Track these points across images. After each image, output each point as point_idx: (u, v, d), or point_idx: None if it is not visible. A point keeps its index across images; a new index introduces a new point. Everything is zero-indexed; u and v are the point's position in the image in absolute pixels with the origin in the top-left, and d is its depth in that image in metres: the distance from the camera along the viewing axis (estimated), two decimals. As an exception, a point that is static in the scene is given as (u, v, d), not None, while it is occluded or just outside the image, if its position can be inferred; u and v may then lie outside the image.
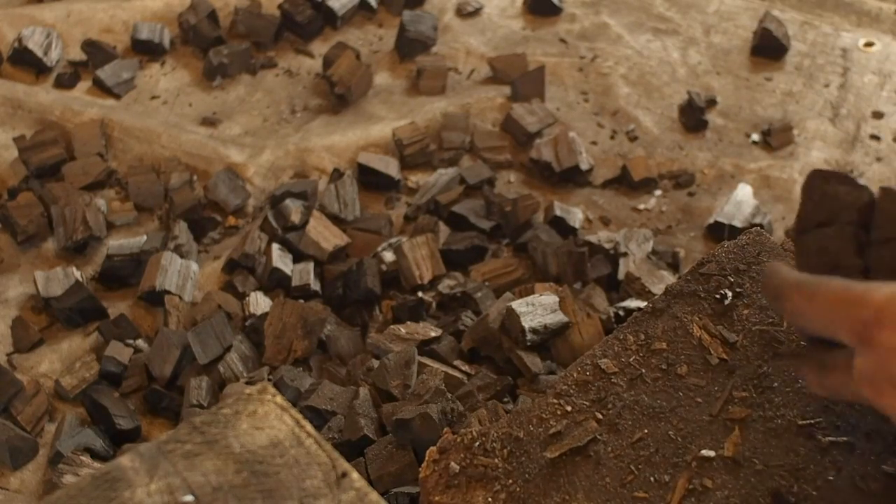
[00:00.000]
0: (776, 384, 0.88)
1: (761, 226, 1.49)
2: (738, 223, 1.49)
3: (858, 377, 0.67)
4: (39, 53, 1.82)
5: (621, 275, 1.43)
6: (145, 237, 1.50)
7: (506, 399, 1.21)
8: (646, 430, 0.86)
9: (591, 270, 1.43)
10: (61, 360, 1.38)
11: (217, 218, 1.58)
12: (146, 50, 1.88)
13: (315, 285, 1.43)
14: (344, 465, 0.74)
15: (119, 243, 1.49)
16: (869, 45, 1.86)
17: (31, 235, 1.53)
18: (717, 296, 0.95)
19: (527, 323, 1.24)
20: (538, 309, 1.26)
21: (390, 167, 1.61)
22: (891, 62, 1.82)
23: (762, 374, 0.89)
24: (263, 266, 1.45)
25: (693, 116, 1.73)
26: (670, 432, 0.85)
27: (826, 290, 0.70)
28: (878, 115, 1.73)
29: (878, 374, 0.65)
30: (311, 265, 1.44)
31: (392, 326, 1.32)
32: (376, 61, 1.87)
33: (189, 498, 0.72)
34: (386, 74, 1.85)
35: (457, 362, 1.27)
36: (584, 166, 1.62)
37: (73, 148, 1.66)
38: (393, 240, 1.49)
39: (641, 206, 1.60)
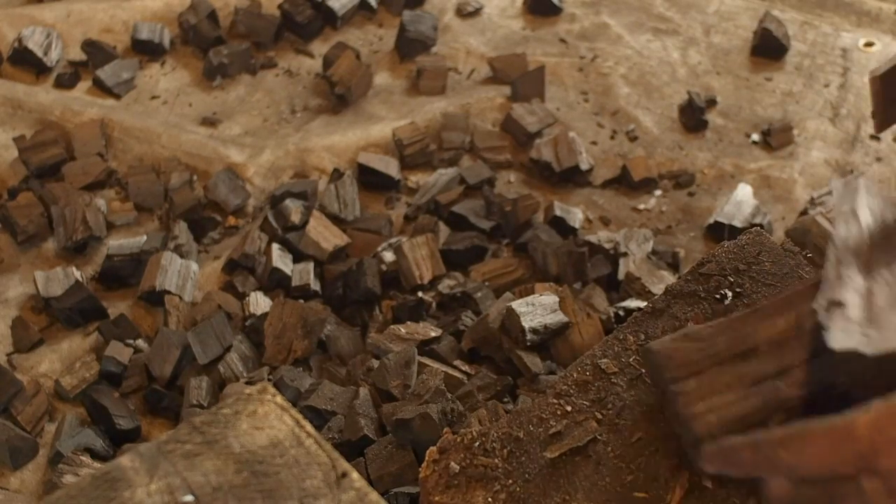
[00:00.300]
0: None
1: (761, 226, 1.49)
2: (738, 223, 1.49)
3: (874, 498, 0.68)
4: (39, 53, 1.82)
5: (621, 275, 1.43)
6: (145, 237, 1.50)
7: (506, 399, 1.21)
8: (646, 430, 0.86)
9: (591, 270, 1.43)
10: (61, 360, 1.38)
11: (217, 218, 1.58)
12: (146, 50, 1.88)
13: (315, 285, 1.43)
14: (344, 465, 0.74)
15: (119, 243, 1.49)
16: (869, 45, 1.86)
17: (31, 235, 1.53)
18: (717, 296, 0.96)
19: (527, 323, 1.24)
20: (538, 309, 1.26)
21: (390, 167, 1.61)
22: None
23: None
24: (263, 266, 1.45)
25: (693, 116, 1.73)
26: (670, 432, 0.85)
27: (813, 435, 0.69)
28: (878, 115, 1.73)
29: (891, 493, 0.66)
30: (311, 265, 1.44)
31: (392, 326, 1.32)
32: (376, 61, 1.87)
33: (189, 498, 0.72)
34: (386, 74, 1.85)
35: (457, 362, 1.27)
36: (584, 166, 1.62)
37: (73, 148, 1.66)
38: (393, 240, 1.49)
39: (641, 206, 1.60)
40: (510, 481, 0.84)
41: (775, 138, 1.68)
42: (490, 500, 0.84)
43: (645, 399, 0.88)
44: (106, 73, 1.81)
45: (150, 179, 1.61)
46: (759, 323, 0.82)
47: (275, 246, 1.46)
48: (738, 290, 0.96)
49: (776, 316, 0.82)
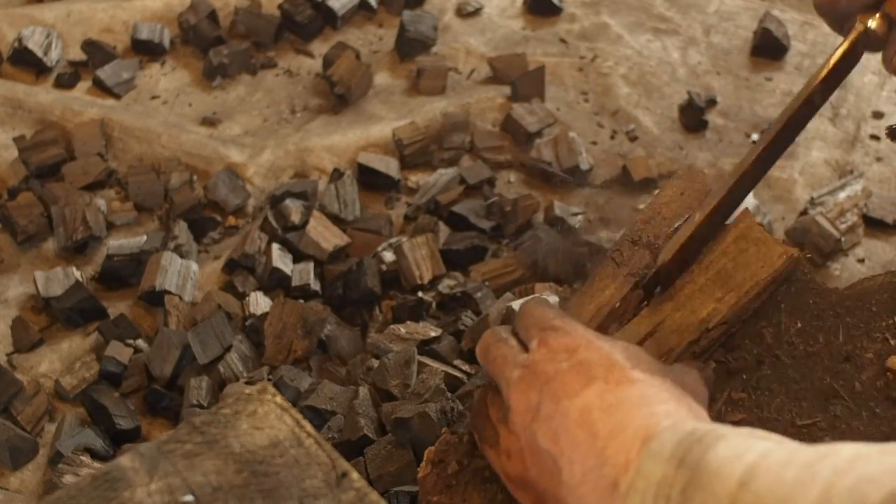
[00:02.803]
0: (774, 386, 0.88)
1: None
2: (737, 223, 1.49)
3: (517, 360, 0.80)
4: (39, 53, 1.82)
5: (621, 275, 1.43)
6: (145, 237, 1.50)
7: (505, 399, 1.21)
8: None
9: (591, 270, 1.43)
10: (61, 360, 1.38)
11: (217, 218, 1.58)
12: (146, 50, 1.88)
13: (315, 285, 1.43)
14: (344, 464, 0.74)
15: (119, 243, 1.49)
16: (869, 45, 1.86)
17: (31, 235, 1.53)
18: (717, 296, 0.95)
19: (526, 323, 1.24)
20: (538, 309, 1.26)
21: (390, 167, 1.62)
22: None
23: (760, 376, 0.89)
24: (263, 266, 1.45)
25: (693, 116, 1.73)
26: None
27: (547, 308, 0.84)
28: (878, 115, 1.73)
29: (531, 365, 0.78)
30: (311, 265, 1.44)
31: (392, 326, 1.32)
32: (376, 61, 1.87)
33: (189, 498, 0.72)
34: (386, 74, 1.85)
35: (457, 362, 1.27)
36: (584, 166, 1.62)
37: (73, 148, 1.66)
38: (393, 240, 1.49)
39: (641, 206, 1.60)
40: (510, 481, 0.84)
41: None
42: (488, 500, 0.84)
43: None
44: (106, 73, 1.81)
45: (150, 179, 1.61)
46: None
47: (275, 246, 1.46)
48: (737, 290, 0.96)
49: None
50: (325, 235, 1.48)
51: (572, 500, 0.71)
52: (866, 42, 0.91)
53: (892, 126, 1.00)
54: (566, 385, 0.73)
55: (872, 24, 0.90)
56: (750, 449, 0.63)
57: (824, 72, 0.93)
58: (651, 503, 0.64)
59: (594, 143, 1.71)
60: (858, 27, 0.91)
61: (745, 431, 0.66)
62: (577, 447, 0.70)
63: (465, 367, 1.26)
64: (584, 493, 0.69)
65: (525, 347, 0.80)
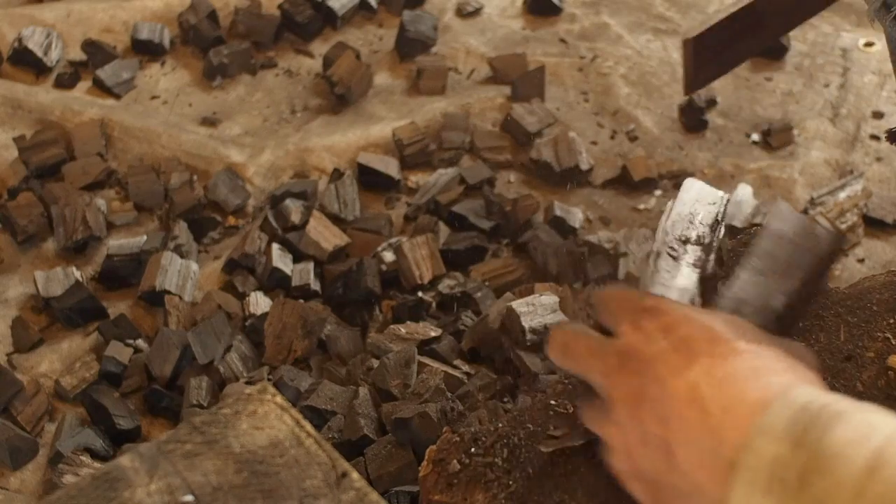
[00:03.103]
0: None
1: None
2: (738, 223, 1.49)
3: (609, 349, 0.73)
4: (39, 53, 1.82)
5: (621, 275, 1.43)
6: (145, 237, 1.50)
7: (506, 399, 1.21)
8: (646, 430, 0.86)
9: (591, 270, 1.43)
10: (61, 360, 1.38)
11: (217, 218, 1.58)
12: (146, 50, 1.88)
13: (315, 285, 1.43)
14: (344, 465, 0.74)
15: (119, 243, 1.49)
16: (869, 45, 1.86)
17: (31, 235, 1.53)
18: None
19: (527, 323, 1.24)
20: (538, 309, 1.26)
21: (390, 167, 1.61)
22: (891, 62, 1.82)
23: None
24: (263, 266, 1.45)
25: (693, 116, 1.73)
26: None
27: (629, 291, 0.77)
28: (878, 115, 1.73)
29: (627, 351, 0.72)
30: (311, 265, 1.44)
31: (392, 326, 1.32)
32: (376, 61, 1.87)
33: (189, 498, 0.72)
34: (386, 74, 1.85)
35: (457, 362, 1.27)
36: (584, 166, 1.62)
37: (73, 148, 1.66)
38: (393, 240, 1.49)
39: (641, 206, 1.60)
40: (510, 481, 0.84)
41: (775, 138, 1.68)
42: (489, 499, 0.84)
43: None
44: (106, 73, 1.81)
45: (150, 179, 1.61)
46: None
47: (275, 246, 1.46)
48: (738, 289, 0.96)
49: None
50: (325, 235, 1.48)
51: (687, 486, 0.66)
52: None
53: (892, 129, 0.99)
54: (669, 364, 0.67)
55: None
56: (875, 429, 0.58)
57: None
58: (764, 484, 0.59)
59: (594, 143, 1.71)
60: None
61: (863, 406, 0.61)
62: (689, 428, 0.65)
63: (465, 367, 1.26)
64: (701, 478, 0.64)
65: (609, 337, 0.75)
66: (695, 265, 0.85)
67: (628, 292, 0.76)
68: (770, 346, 0.69)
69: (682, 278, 0.84)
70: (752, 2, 0.93)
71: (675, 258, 0.85)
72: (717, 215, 0.87)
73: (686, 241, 0.87)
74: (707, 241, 0.86)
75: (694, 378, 0.66)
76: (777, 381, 0.64)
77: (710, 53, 0.92)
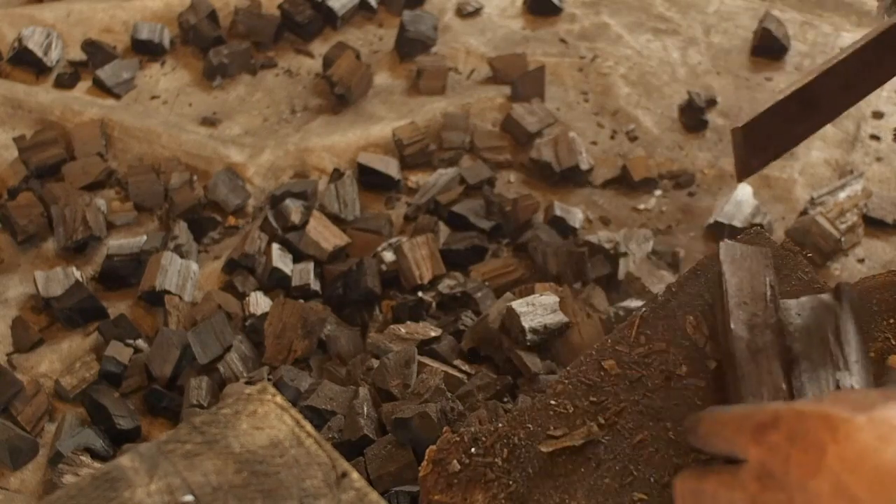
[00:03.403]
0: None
1: (761, 226, 1.48)
2: (738, 223, 1.49)
3: (744, 476, 0.71)
4: (39, 53, 1.82)
5: (621, 275, 1.43)
6: (145, 237, 1.50)
7: (506, 399, 1.21)
8: (646, 431, 0.86)
9: (591, 270, 1.43)
10: (61, 360, 1.38)
11: (217, 218, 1.58)
12: (146, 50, 1.88)
13: (315, 285, 1.43)
14: (344, 464, 0.74)
15: (119, 243, 1.49)
16: (869, 45, 1.86)
17: (31, 235, 1.53)
18: (717, 296, 0.95)
19: (527, 323, 1.24)
20: (538, 309, 1.26)
21: (390, 167, 1.61)
22: None
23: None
24: (263, 266, 1.45)
25: (693, 116, 1.73)
26: (670, 433, 0.85)
27: (733, 411, 0.75)
28: (878, 115, 1.73)
29: (761, 471, 0.70)
30: (311, 265, 1.44)
31: (392, 326, 1.32)
32: (376, 61, 1.87)
33: (189, 498, 0.72)
34: (386, 74, 1.85)
35: (457, 362, 1.27)
36: (584, 166, 1.62)
37: (73, 148, 1.66)
38: (393, 240, 1.49)
39: (641, 206, 1.60)
40: (510, 481, 0.84)
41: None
42: (489, 499, 0.84)
43: (646, 400, 0.88)
44: (106, 73, 1.81)
45: (150, 179, 1.61)
46: None
47: (275, 246, 1.46)
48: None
49: None
50: (325, 235, 1.48)
51: None
52: None
53: None
54: (804, 467, 0.67)
55: None
56: None
57: None
58: None
59: (594, 143, 1.71)
60: None
61: None
62: None
63: (465, 367, 1.26)
64: None
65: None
66: None
67: (738, 413, 0.75)
68: (886, 402, 0.69)
69: None
70: (805, 85, 0.93)
71: None
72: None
73: None
74: None
75: (829, 470, 0.65)
76: None
77: (762, 139, 0.92)
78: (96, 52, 1.84)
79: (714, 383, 0.89)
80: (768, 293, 0.88)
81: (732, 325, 0.86)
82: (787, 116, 0.94)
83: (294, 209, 1.52)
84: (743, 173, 0.95)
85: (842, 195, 1.55)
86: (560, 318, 1.26)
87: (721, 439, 0.74)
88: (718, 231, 1.51)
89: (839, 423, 0.67)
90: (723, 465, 0.73)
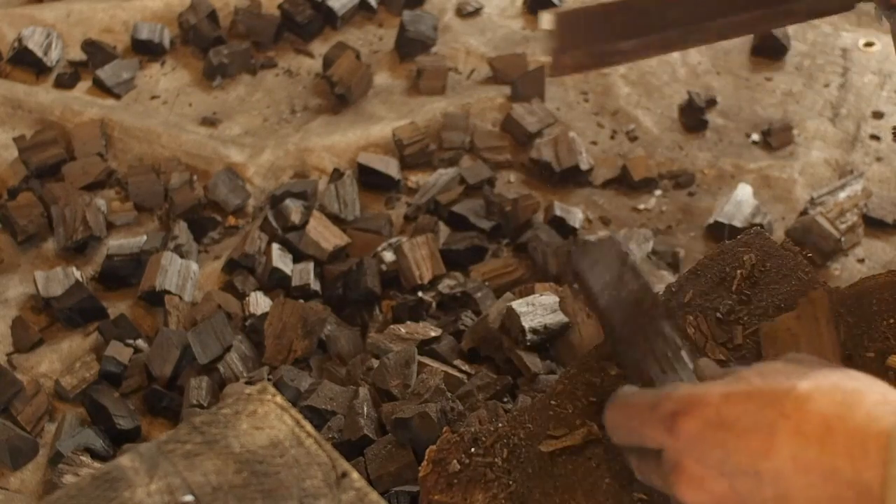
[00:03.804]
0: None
1: (761, 226, 1.49)
2: (738, 223, 1.49)
3: (666, 467, 0.68)
4: (39, 53, 1.82)
5: (621, 275, 1.43)
6: (145, 237, 1.50)
7: (506, 399, 1.21)
8: (646, 430, 0.86)
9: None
10: (61, 360, 1.38)
11: (217, 218, 1.58)
12: (146, 50, 1.88)
13: (315, 285, 1.43)
14: (344, 464, 0.74)
15: (119, 243, 1.49)
16: (869, 45, 1.86)
17: (31, 235, 1.53)
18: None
19: (527, 323, 1.24)
20: (538, 309, 1.26)
21: (390, 167, 1.62)
22: (891, 62, 1.82)
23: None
24: (263, 266, 1.45)
25: (693, 116, 1.73)
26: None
27: (634, 399, 0.73)
28: (878, 115, 1.73)
29: (681, 458, 0.67)
30: (311, 265, 1.44)
31: (392, 326, 1.32)
32: (376, 61, 1.87)
33: (189, 498, 0.72)
34: (386, 74, 1.85)
35: (457, 362, 1.27)
36: (584, 166, 1.62)
37: (73, 148, 1.66)
38: (393, 240, 1.49)
39: (641, 206, 1.60)
40: (510, 481, 0.84)
41: (775, 138, 1.68)
42: (489, 499, 0.84)
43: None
44: (106, 73, 1.81)
45: (150, 179, 1.61)
46: None
47: (275, 246, 1.46)
48: (738, 290, 0.96)
49: None
50: (325, 235, 1.48)
51: None
52: None
53: None
54: (751, 450, 0.63)
55: None
56: None
57: None
58: None
59: (594, 143, 1.71)
60: None
61: None
62: (819, 494, 0.60)
63: (465, 367, 1.26)
64: None
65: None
66: None
67: (634, 398, 0.72)
68: (818, 369, 0.66)
69: None
70: None
71: None
72: None
73: None
74: None
75: (785, 448, 0.62)
76: (871, 401, 0.62)
77: (578, 36, 0.86)
78: (96, 52, 1.84)
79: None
80: (626, 271, 0.87)
81: (607, 311, 0.85)
82: (612, 23, 0.87)
83: (294, 209, 1.52)
84: (555, 68, 0.88)
85: (842, 195, 1.55)
86: (560, 318, 1.26)
87: (626, 430, 0.72)
88: (718, 231, 1.51)
89: (781, 397, 0.63)
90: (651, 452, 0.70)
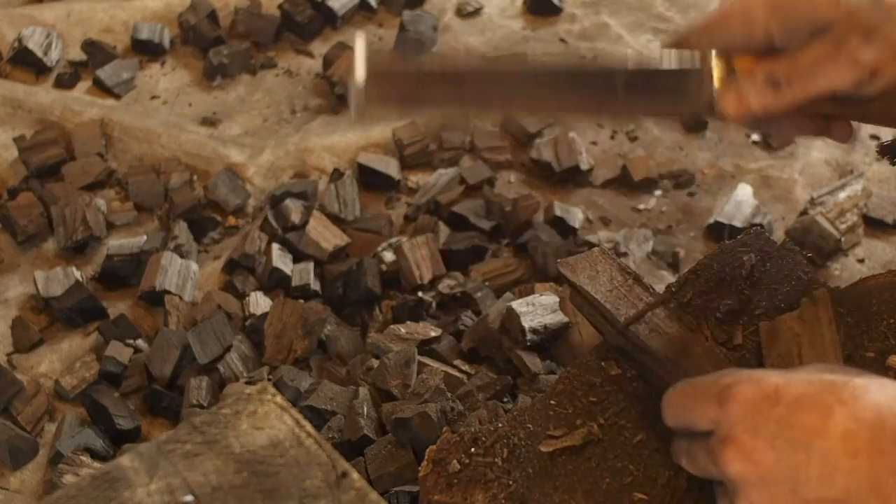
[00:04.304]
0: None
1: (761, 226, 1.49)
2: (738, 223, 1.49)
3: (714, 441, 0.71)
4: (39, 53, 1.82)
5: (621, 275, 1.43)
6: (145, 237, 1.50)
7: (506, 399, 1.21)
8: (646, 431, 0.86)
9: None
10: (61, 360, 1.38)
11: (217, 218, 1.58)
12: (146, 50, 1.88)
13: (315, 285, 1.43)
14: (344, 465, 0.74)
15: (119, 243, 1.49)
16: (869, 45, 1.86)
17: (31, 235, 1.53)
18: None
19: (527, 323, 1.24)
20: (538, 309, 1.26)
21: (390, 167, 1.62)
22: (891, 62, 1.82)
23: (762, 374, 0.89)
24: (263, 266, 1.45)
25: (693, 116, 1.73)
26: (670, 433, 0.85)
27: (695, 381, 0.76)
28: (878, 115, 1.73)
29: (732, 429, 0.69)
30: (311, 265, 1.44)
31: (392, 326, 1.32)
32: (376, 61, 1.87)
33: (189, 498, 0.72)
34: (386, 74, 1.85)
35: (457, 362, 1.27)
36: (584, 166, 1.62)
37: (73, 148, 1.66)
38: (393, 240, 1.49)
39: (641, 206, 1.60)
40: (510, 481, 0.84)
41: (775, 138, 1.68)
42: (489, 499, 0.84)
43: (646, 400, 0.88)
44: (106, 73, 1.81)
45: (150, 179, 1.61)
46: None
47: (275, 246, 1.46)
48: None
49: None
50: (325, 235, 1.48)
51: None
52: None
53: (883, 143, 0.98)
54: (807, 426, 0.66)
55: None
56: None
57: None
58: None
59: (594, 143, 1.71)
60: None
61: None
62: (861, 478, 0.64)
63: (465, 367, 1.26)
64: None
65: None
66: None
67: (695, 380, 0.75)
68: (859, 372, 0.70)
69: None
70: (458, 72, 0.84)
71: None
72: None
73: None
74: None
75: (838, 430, 0.65)
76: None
77: (389, 94, 0.83)
78: (96, 52, 1.84)
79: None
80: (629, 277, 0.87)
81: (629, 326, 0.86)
82: (430, 88, 0.85)
83: (294, 209, 1.52)
84: (358, 116, 0.86)
85: (842, 195, 1.55)
86: (560, 318, 1.26)
87: (683, 409, 0.75)
88: (718, 231, 1.51)
89: (840, 386, 0.67)
90: (698, 442, 0.73)
